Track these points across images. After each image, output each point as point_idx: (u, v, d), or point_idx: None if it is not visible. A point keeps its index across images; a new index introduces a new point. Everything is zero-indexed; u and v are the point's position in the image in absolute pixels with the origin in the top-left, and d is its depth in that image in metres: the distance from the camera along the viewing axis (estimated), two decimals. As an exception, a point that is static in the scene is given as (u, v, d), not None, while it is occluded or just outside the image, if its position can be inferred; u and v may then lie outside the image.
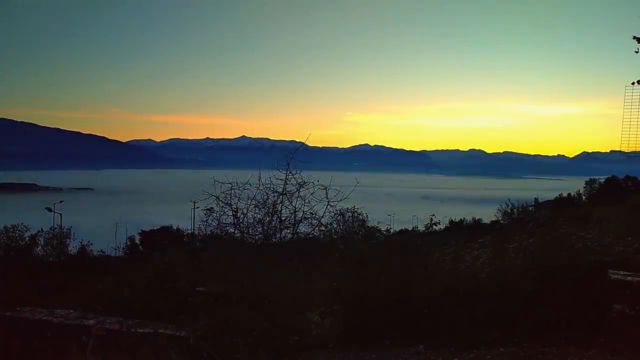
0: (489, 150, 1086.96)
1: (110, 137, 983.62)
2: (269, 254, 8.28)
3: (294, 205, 8.47)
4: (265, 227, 8.43)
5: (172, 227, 38.15)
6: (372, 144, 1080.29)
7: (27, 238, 17.58)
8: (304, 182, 8.44)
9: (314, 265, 8.92)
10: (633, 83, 8.13)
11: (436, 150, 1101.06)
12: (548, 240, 8.55)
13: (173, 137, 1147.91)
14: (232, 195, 8.38)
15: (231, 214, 8.41)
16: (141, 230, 37.77)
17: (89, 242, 20.24)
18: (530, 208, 48.52)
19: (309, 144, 11.63)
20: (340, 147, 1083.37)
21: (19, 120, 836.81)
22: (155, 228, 37.67)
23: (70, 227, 19.99)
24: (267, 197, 8.42)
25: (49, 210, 47.13)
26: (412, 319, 8.23)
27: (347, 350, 7.78)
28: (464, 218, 47.86)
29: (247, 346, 6.61)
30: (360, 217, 23.44)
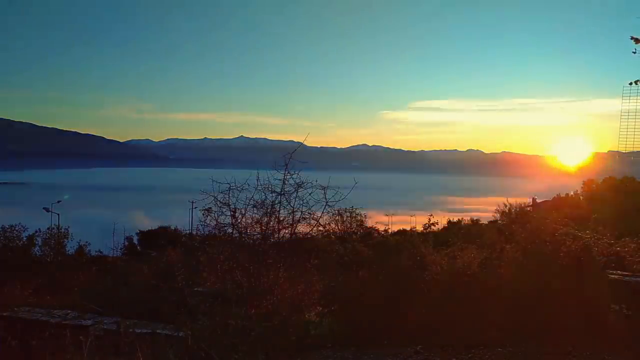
0: (487, 151, 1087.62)
1: (108, 137, 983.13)
2: (267, 254, 8.28)
3: (292, 205, 8.47)
4: (263, 228, 8.42)
5: (170, 227, 38.10)
6: (370, 144, 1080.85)
7: (24, 238, 17.48)
8: (302, 182, 8.44)
9: (312, 266, 8.93)
10: (631, 83, 8.12)
11: (434, 151, 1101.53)
12: (546, 241, 8.57)
13: (171, 137, 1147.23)
14: (230, 195, 8.37)
15: (229, 214, 8.41)
16: (139, 230, 37.74)
17: (87, 242, 20.09)
18: (528, 208, 48.58)
19: (306, 144, 11.62)
20: (339, 147, 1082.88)
21: (16, 120, 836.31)
22: (153, 228, 37.64)
23: (69, 226, 19.88)
24: (266, 197, 8.43)
25: (47, 209, 47.07)
26: (410, 319, 8.25)
27: (346, 350, 7.80)
28: (462, 218, 47.87)
29: (245, 346, 6.61)
30: (359, 217, 23.51)
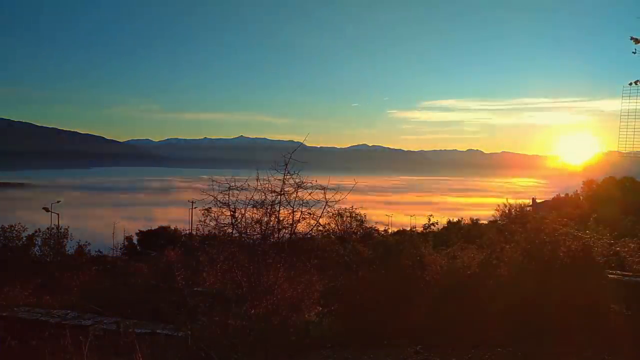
0: (487, 151, 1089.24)
1: (107, 137, 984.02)
2: (267, 254, 8.27)
3: (291, 205, 8.46)
4: (263, 227, 8.41)
5: (169, 227, 38.14)
6: (370, 144, 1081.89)
7: (24, 238, 17.47)
8: (302, 182, 8.43)
9: (312, 266, 8.92)
10: (630, 83, 8.11)
11: (434, 151, 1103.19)
12: (546, 241, 8.56)
13: (171, 136, 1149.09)
14: (230, 195, 8.36)
15: (229, 214, 8.40)
16: (139, 230, 37.81)
17: (86, 242, 20.11)
18: (528, 208, 48.60)
19: (306, 144, 11.61)
20: (339, 147, 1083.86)
21: (16, 120, 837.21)
22: (153, 228, 37.71)
23: (68, 226, 19.88)
24: (265, 197, 8.41)
25: (46, 210, 47.05)
26: (410, 319, 8.24)
27: (346, 350, 7.79)
28: (462, 218, 47.88)
29: (245, 346, 6.61)
30: (358, 217, 23.49)
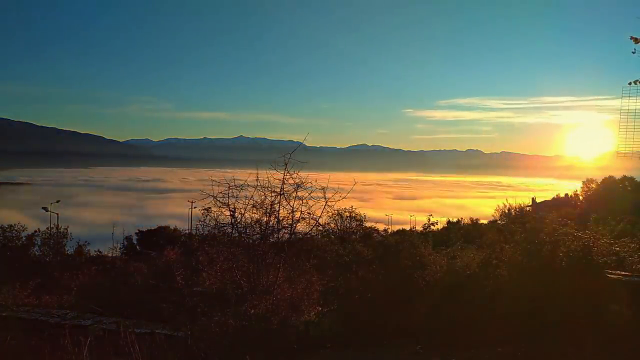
0: (487, 151, 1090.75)
1: (107, 137, 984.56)
2: (267, 254, 8.27)
3: (291, 205, 8.46)
4: (262, 227, 8.41)
5: (169, 227, 38.09)
6: (370, 144, 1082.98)
7: (24, 238, 17.47)
8: (302, 182, 8.43)
9: (311, 266, 8.92)
10: (630, 83, 8.10)
11: (434, 151, 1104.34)
12: (545, 241, 8.55)
13: (170, 136, 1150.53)
14: (229, 195, 8.36)
15: (229, 214, 8.39)
16: (138, 230, 37.73)
17: (86, 242, 20.12)
18: (528, 208, 48.67)
19: (306, 144, 11.61)
20: (338, 147, 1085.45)
21: (15, 120, 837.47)
22: (152, 227, 37.64)
23: (68, 226, 19.87)
24: (265, 197, 8.41)
25: (45, 209, 47.04)
26: (409, 319, 8.24)
27: (346, 350, 7.79)
28: (462, 218, 47.91)
29: (244, 347, 6.60)
30: (358, 217, 23.47)
